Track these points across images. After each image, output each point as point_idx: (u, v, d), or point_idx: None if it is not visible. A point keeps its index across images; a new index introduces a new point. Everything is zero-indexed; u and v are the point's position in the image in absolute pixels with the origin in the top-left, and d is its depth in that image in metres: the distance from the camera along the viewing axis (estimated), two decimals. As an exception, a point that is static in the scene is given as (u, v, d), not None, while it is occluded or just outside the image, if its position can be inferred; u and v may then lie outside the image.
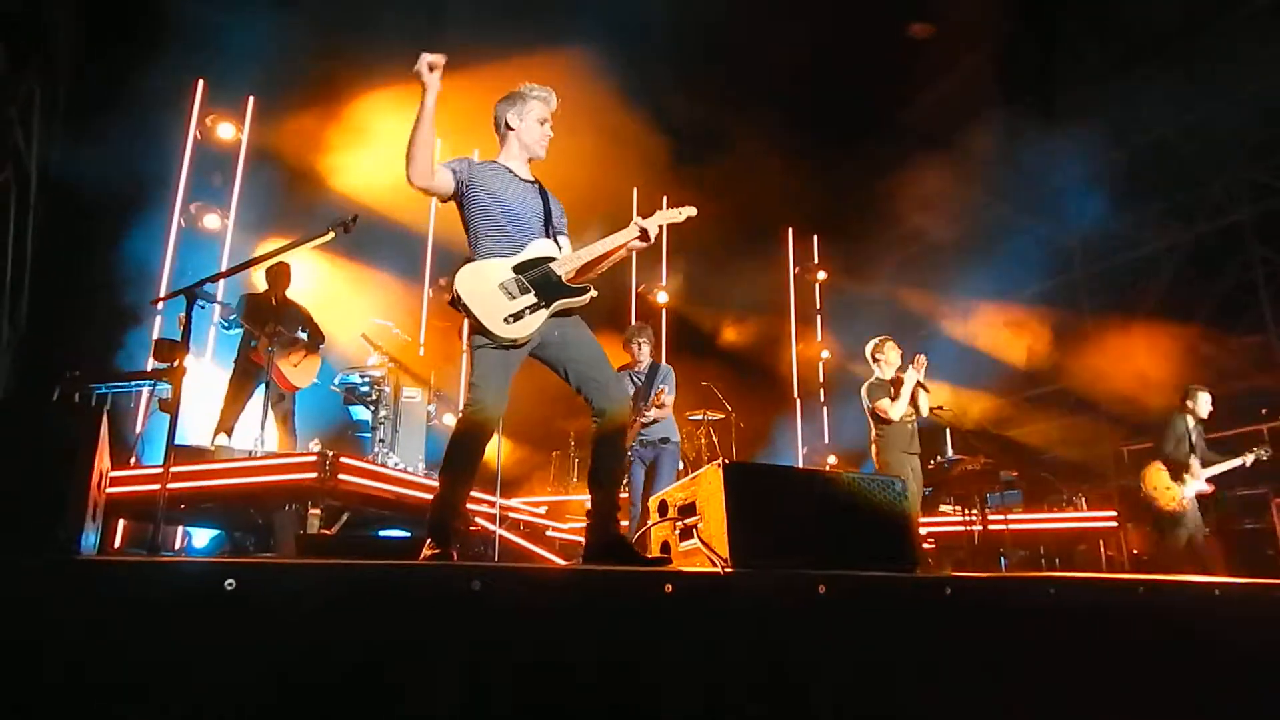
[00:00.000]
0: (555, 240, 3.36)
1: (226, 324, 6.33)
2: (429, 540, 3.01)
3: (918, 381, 6.02)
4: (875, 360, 6.25)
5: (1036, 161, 10.59)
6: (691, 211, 3.43)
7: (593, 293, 3.25)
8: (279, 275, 6.54)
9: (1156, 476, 6.68)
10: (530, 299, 3.11)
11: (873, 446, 6.16)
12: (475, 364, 3.12)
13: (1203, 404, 6.75)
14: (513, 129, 3.40)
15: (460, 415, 3.14)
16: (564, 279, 3.20)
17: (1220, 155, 10.03)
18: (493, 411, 3.09)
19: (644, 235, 3.30)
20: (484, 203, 3.23)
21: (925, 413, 6.23)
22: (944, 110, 10.53)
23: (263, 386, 6.10)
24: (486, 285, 3.10)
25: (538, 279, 3.14)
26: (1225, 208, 10.14)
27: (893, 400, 5.98)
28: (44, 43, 7.08)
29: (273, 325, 6.06)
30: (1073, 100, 10.03)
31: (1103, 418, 11.13)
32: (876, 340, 6.31)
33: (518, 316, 3.07)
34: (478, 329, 3.09)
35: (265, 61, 7.98)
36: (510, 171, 3.37)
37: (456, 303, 3.11)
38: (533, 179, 3.45)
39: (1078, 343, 11.10)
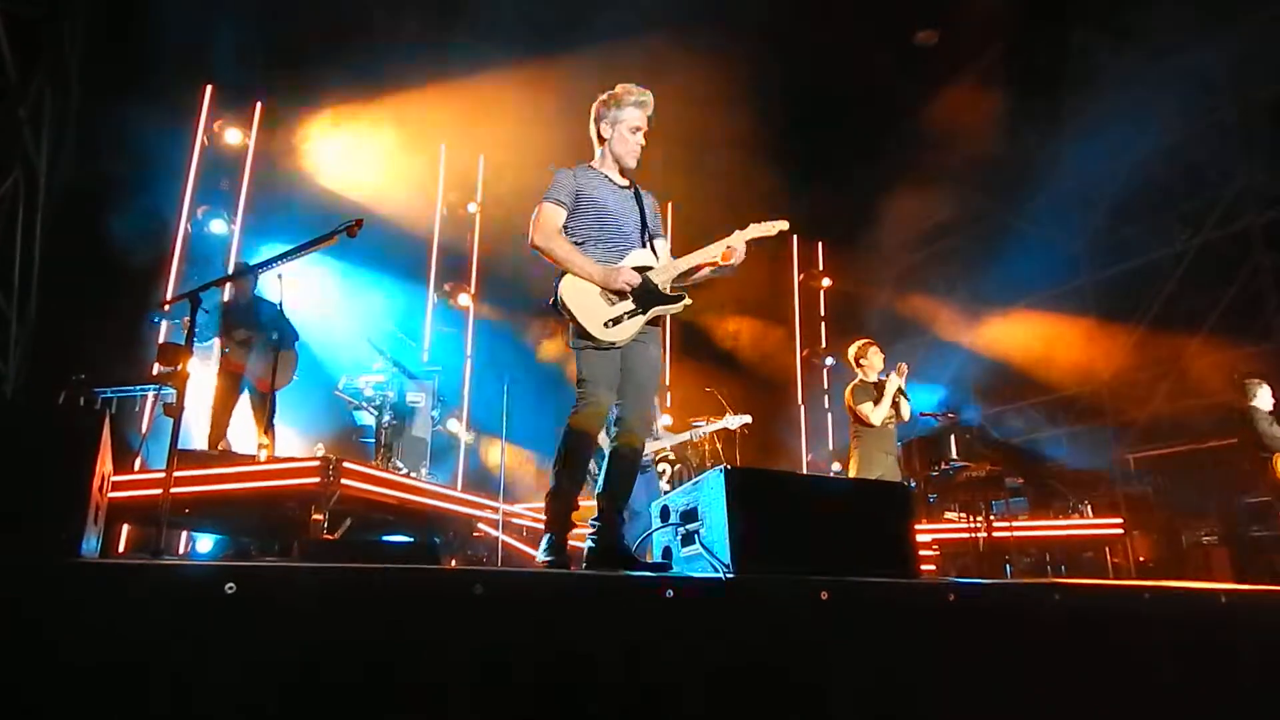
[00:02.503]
0: (652, 244, 3.46)
1: (197, 336, 6.29)
2: (546, 536, 3.14)
3: (899, 388, 6.09)
4: (859, 364, 6.32)
5: (1043, 167, 10.57)
6: (783, 225, 3.44)
7: (687, 300, 3.35)
8: (246, 279, 6.47)
9: None
10: (629, 305, 3.23)
11: (853, 447, 6.22)
12: (581, 363, 3.24)
13: (1265, 395, 6.48)
14: (605, 139, 3.47)
15: (573, 411, 3.22)
16: (660, 287, 3.30)
17: (1230, 162, 9.99)
18: (603, 407, 3.21)
19: (732, 250, 3.35)
20: (589, 211, 3.35)
21: (907, 418, 6.27)
22: (950, 116, 10.51)
23: (247, 391, 6.13)
24: (588, 291, 3.22)
25: (636, 287, 3.23)
26: (1234, 215, 10.10)
27: (875, 404, 6.04)
28: (55, 47, 7.12)
29: (242, 332, 6.08)
30: (1081, 105, 10.00)
31: (1109, 424, 11.08)
32: (860, 344, 6.40)
33: (616, 321, 3.21)
34: (579, 333, 3.22)
35: (273, 67, 8.01)
36: (608, 179, 3.45)
37: (559, 306, 3.23)
38: (628, 183, 3.52)
39: (1084, 349, 11.05)
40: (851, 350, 6.43)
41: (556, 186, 3.33)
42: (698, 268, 3.39)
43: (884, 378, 6.15)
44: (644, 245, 3.43)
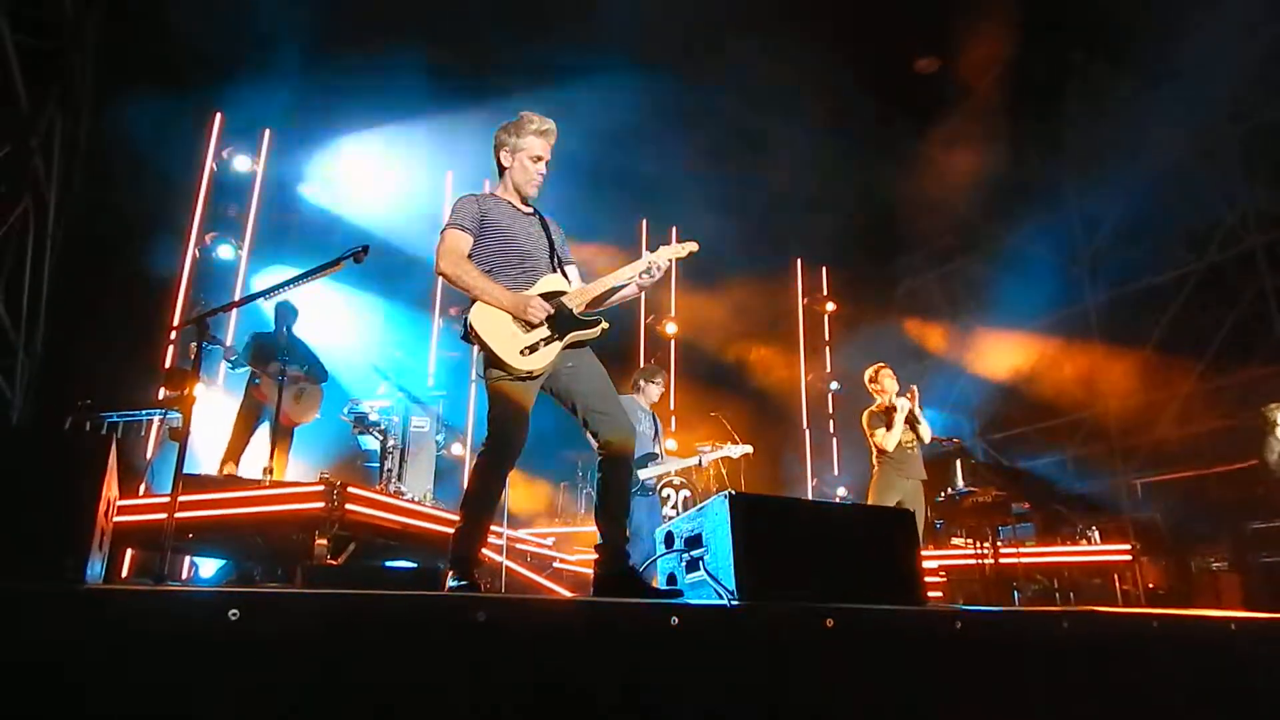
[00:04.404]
0: (563, 270, 3.39)
1: (232, 363, 6.53)
2: (452, 572, 3.00)
3: (910, 410, 6.10)
4: (873, 388, 6.34)
5: (1046, 190, 10.60)
6: (693, 247, 3.42)
7: (604, 324, 3.26)
8: (284, 315, 6.67)
9: None
10: (544, 331, 3.12)
11: (873, 471, 6.25)
12: (493, 399, 3.12)
13: None
14: (506, 167, 3.41)
15: (482, 449, 3.12)
16: (575, 311, 3.21)
17: (1233, 183, 10.01)
18: (515, 444, 3.10)
19: (649, 270, 3.29)
20: (495, 238, 3.26)
21: (927, 439, 6.27)
22: (953, 139, 10.59)
23: (268, 421, 6.23)
24: (501, 320, 3.11)
25: (551, 315, 3.14)
26: (1237, 236, 10.10)
27: (888, 430, 6.05)
28: (65, 76, 7.22)
29: (276, 365, 6.18)
30: (1083, 128, 10.07)
31: (1115, 449, 11.02)
32: (873, 368, 6.42)
33: (533, 349, 3.09)
34: (494, 363, 3.09)
35: (281, 95, 8.11)
36: (511, 205, 3.39)
37: (470, 337, 3.12)
38: (531, 210, 3.46)
39: (1089, 373, 11.02)
40: (866, 374, 6.45)
41: (459, 212, 3.24)
42: (610, 292, 3.31)
43: (896, 401, 6.15)
44: (555, 270, 3.34)
